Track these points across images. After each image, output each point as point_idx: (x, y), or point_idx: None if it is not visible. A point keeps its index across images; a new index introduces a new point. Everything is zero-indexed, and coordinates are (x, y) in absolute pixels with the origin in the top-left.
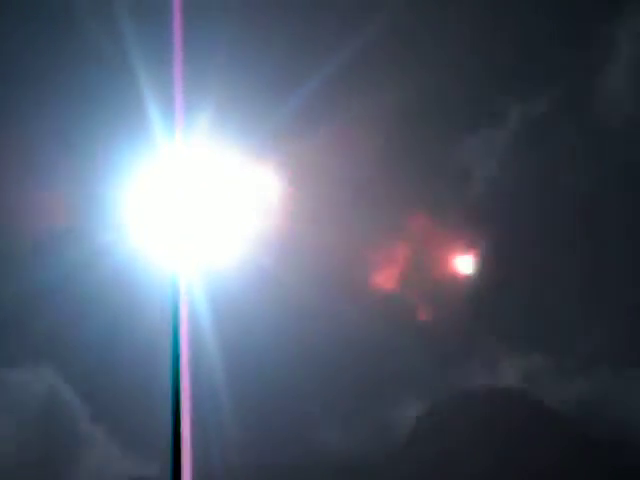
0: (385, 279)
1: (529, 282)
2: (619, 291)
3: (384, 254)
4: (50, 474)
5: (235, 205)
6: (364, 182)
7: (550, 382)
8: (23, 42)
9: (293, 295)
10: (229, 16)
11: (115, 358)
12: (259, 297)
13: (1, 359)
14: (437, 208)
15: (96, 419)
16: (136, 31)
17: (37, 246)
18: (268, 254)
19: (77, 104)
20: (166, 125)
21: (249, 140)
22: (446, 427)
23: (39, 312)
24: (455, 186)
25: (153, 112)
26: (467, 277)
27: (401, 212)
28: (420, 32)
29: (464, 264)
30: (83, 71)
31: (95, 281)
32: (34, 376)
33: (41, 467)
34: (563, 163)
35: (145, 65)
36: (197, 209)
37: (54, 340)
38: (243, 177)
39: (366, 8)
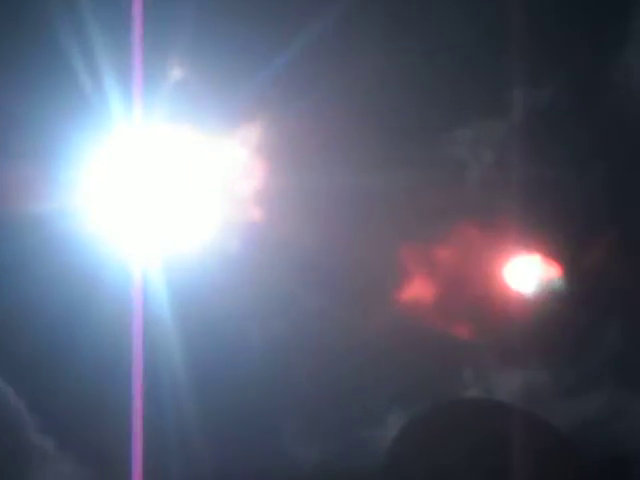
0: (371, 273)
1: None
2: (626, 304)
3: (370, 249)
4: None
5: (201, 188)
6: (347, 169)
7: (548, 399)
8: None
9: (264, 289)
10: None
11: (67, 361)
12: (226, 289)
13: None
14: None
15: (46, 431)
16: None
17: None
18: (237, 242)
19: (25, 78)
20: (124, 99)
21: (217, 115)
22: (430, 442)
23: None
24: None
25: (109, 85)
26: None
27: (392, 205)
28: (411, 9)
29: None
30: (31, 43)
31: (47, 274)
32: None
33: None
34: (566, 157)
35: (100, 31)
36: (159, 192)
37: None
38: (211, 157)
39: None
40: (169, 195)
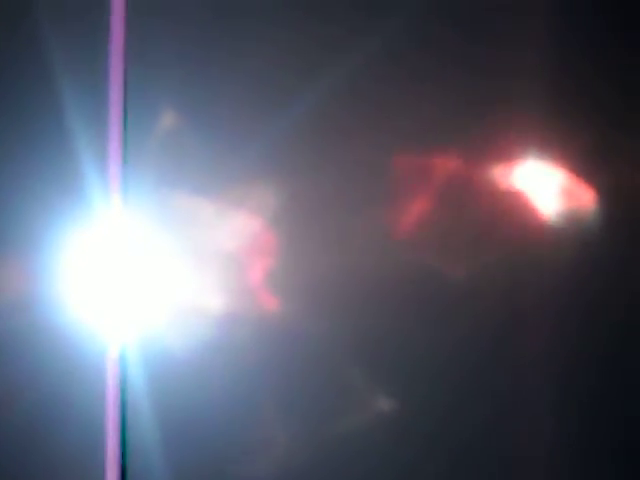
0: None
1: None
2: None
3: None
4: None
5: (197, 270)
6: (372, 244)
7: None
8: None
9: (273, 389)
10: (184, 24)
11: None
12: (226, 391)
13: None
14: None
15: None
16: (58, 35)
17: None
18: (242, 334)
19: None
20: (100, 172)
21: (217, 180)
22: None
23: None
24: None
25: (84, 159)
26: None
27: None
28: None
29: None
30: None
31: (18, 368)
32: None
33: None
34: None
35: (72, 94)
36: (144, 277)
37: None
38: (208, 233)
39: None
40: (162, 278)
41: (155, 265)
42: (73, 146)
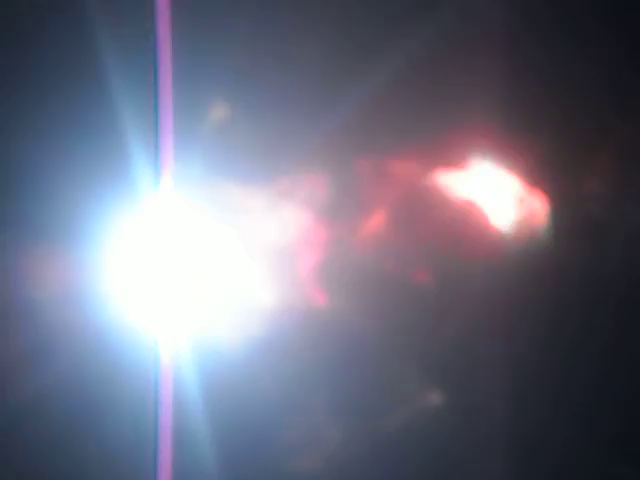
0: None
1: None
2: None
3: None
4: None
5: (246, 263)
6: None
7: None
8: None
9: (322, 385)
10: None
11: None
12: (275, 387)
13: None
14: None
15: None
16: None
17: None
18: (293, 330)
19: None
20: (151, 169)
21: (265, 174)
22: None
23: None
24: None
25: (134, 153)
26: None
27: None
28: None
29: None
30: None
31: (66, 361)
32: None
33: None
34: None
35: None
36: (192, 270)
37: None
38: (257, 224)
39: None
40: (211, 270)
41: (204, 257)
42: (123, 136)
